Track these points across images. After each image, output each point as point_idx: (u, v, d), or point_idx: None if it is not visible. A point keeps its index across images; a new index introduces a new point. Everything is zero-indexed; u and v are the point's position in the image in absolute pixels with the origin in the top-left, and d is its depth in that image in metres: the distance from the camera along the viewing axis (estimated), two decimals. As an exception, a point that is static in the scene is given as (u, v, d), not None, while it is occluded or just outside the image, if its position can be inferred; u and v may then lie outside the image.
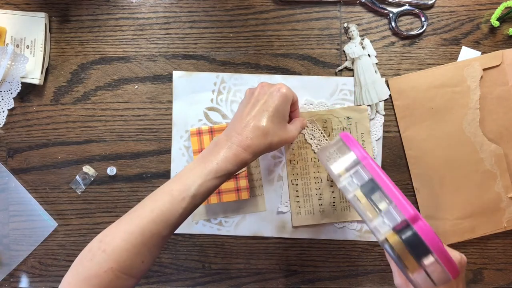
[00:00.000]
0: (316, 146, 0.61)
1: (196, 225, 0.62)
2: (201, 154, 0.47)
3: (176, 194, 0.44)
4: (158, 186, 0.61)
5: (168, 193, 0.44)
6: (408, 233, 0.41)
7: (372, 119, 0.61)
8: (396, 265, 0.42)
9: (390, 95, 0.61)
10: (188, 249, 0.62)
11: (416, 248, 0.40)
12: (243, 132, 0.46)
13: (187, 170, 0.45)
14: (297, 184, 0.61)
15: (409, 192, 0.61)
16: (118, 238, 0.42)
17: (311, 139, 0.61)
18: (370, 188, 0.44)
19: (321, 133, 0.60)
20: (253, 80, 0.61)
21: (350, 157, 0.47)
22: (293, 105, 0.54)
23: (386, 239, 0.41)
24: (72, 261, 0.42)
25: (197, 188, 0.44)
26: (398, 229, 0.41)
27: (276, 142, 0.48)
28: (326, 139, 0.61)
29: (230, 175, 0.46)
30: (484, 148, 0.60)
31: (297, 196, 0.61)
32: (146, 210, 0.43)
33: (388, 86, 0.61)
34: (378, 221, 0.43)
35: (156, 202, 0.44)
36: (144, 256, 0.43)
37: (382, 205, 0.44)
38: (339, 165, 0.48)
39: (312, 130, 0.60)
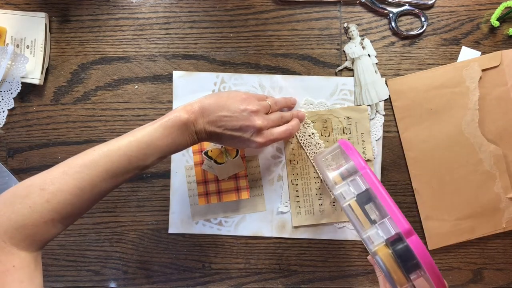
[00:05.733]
0: (310, 155, 0.60)
1: (196, 225, 0.62)
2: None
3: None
4: (158, 186, 0.62)
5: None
6: (401, 246, 0.41)
7: (372, 119, 0.61)
8: (385, 277, 0.42)
9: (389, 95, 0.61)
10: (188, 249, 0.62)
11: (407, 261, 0.41)
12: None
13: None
14: (297, 184, 0.61)
15: (409, 192, 0.61)
16: (67, 192, 0.40)
17: (305, 146, 0.60)
18: (366, 198, 0.45)
19: (316, 141, 0.59)
20: (253, 80, 0.61)
21: (348, 165, 0.48)
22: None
23: (378, 250, 0.42)
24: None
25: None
26: (391, 242, 0.42)
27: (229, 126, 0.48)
28: (321, 145, 0.61)
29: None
30: (483, 148, 0.60)
31: (297, 196, 0.61)
32: (99, 168, 0.42)
33: (387, 87, 0.61)
34: (371, 232, 0.43)
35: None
36: (87, 209, 0.43)
37: (377, 216, 0.44)
38: (335, 172, 0.48)
39: (305, 134, 0.58)
